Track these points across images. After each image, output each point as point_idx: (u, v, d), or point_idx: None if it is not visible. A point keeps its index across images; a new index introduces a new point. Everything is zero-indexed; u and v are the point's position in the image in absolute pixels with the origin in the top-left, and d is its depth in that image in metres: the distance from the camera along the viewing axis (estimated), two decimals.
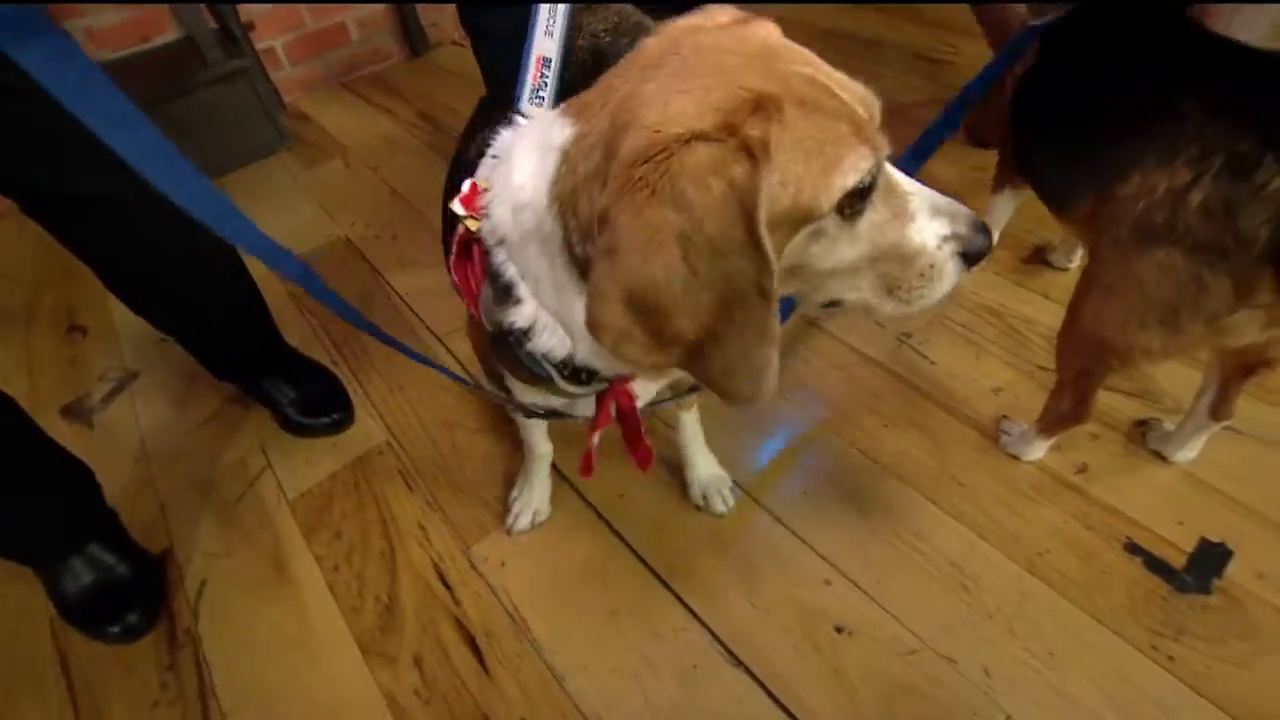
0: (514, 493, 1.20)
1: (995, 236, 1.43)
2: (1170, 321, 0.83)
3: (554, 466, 1.20)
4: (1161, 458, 1.13)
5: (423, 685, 1.02)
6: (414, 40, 2.78)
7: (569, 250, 0.56)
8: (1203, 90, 0.80)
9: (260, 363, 1.38)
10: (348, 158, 2.28)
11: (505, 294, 0.62)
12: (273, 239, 0.68)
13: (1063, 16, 1.06)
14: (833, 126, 0.52)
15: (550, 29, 0.74)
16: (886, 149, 0.56)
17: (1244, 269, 0.75)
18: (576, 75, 0.75)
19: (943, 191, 0.61)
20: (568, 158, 0.56)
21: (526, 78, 0.73)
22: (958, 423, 1.24)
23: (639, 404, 0.80)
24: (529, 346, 0.63)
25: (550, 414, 0.86)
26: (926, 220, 0.60)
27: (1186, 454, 1.11)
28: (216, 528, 1.27)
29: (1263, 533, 1.03)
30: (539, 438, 1.12)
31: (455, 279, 0.69)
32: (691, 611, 1.05)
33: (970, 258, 0.61)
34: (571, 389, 0.70)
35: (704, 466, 1.17)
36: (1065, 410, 1.05)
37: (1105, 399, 1.17)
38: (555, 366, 0.66)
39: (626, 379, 0.74)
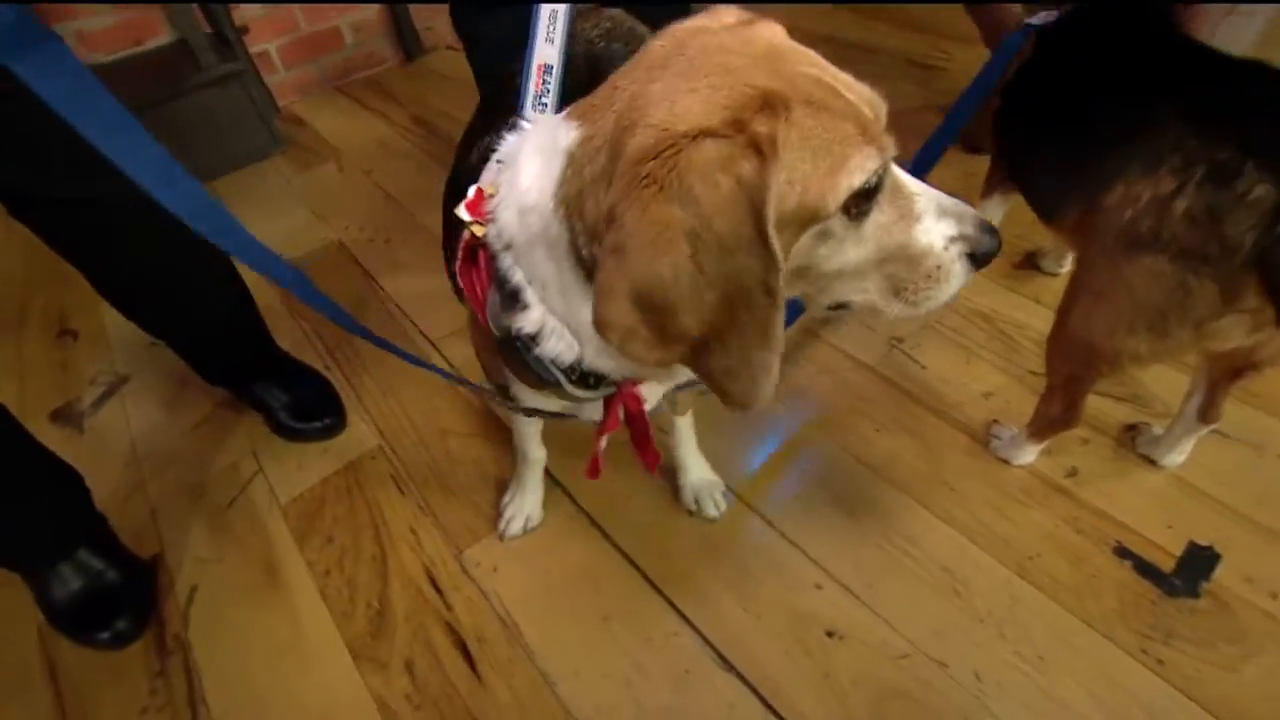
0: (506, 498, 1.20)
1: None
2: (1158, 326, 0.84)
3: (546, 471, 1.20)
4: (1151, 462, 1.14)
5: (414, 690, 1.02)
6: (408, 44, 2.79)
7: (576, 253, 0.56)
8: (1183, 100, 0.81)
9: (252, 367, 1.38)
10: (341, 162, 2.27)
11: (512, 299, 0.62)
12: (264, 245, 0.68)
13: (1061, 17, 1.06)
14: (839, 126, 0.52)
15: (551, 36, 0.74)
16: (893, 150, 0.56)
17: (1229, 274, 0.77)
18: (571, 81, 0.75)
19: None
20: (573, 160, 0.55)
21: (529, 85, 0.72)
22: (949, 427, 1.25)
23: (647, 407, 0.79)
24: (536, 351, 0.63)
25: (553, 414, 0.86)
26: (933, 221, 0.59)
27: (1175, 458, 1.12)
28: (207, 533, 1.26)
29: (1251, 536, 1.04)
30: (532, 443, 1.12)
31: (460, 284, 0.69)
32: (683, 616, 1.05)
33: (979, 259, 0.61)
34: (579, 393, 0.70)
35: (696, 471, 1.17)
36: (1055, 415, 1.06)
37: (1095, 403, 1.17)
38: (563, 371, 0.65)
39: (635, 382, 0.73)
